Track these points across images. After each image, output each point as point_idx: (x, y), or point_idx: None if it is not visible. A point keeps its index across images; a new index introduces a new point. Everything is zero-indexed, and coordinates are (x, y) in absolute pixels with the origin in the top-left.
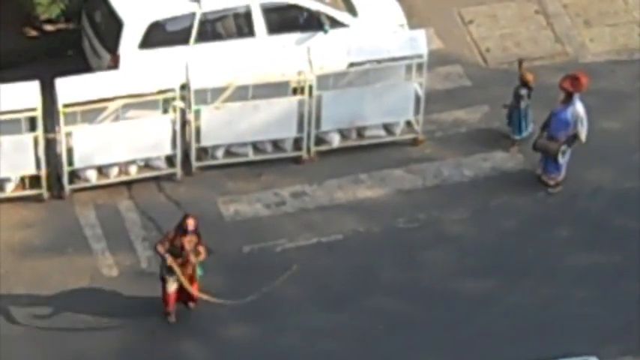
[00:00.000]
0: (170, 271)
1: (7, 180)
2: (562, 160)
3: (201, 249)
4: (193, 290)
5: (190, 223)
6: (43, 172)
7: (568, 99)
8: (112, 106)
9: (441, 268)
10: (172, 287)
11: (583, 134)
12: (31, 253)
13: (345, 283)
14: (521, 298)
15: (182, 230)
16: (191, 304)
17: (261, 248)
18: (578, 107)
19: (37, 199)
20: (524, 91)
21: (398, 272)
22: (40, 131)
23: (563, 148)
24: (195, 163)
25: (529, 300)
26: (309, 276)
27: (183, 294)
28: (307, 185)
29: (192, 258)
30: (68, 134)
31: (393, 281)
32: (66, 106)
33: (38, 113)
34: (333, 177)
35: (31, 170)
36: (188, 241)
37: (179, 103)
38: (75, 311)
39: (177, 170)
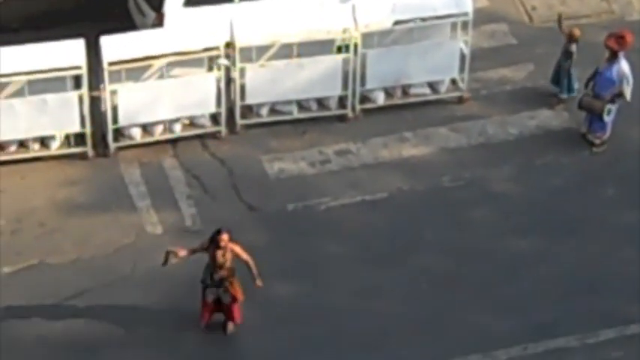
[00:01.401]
0: (212, 279)
1: (52, 138)
2: (607, 118)
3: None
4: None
5: (224, 239)
6: (88, 130)
7: (613, 57)
8: (157, 63)
9: (485, 226)
10: (210, 297)
11: (628, 93)
12: (76, 211)
13: (390, 241)
14: (566, 257)
15: (215, 244)
16: (230, 326)
17: (305, 206)
18: (624, 65)
19: (82, 156)
20: (574, 48)
21: (443, 230)
22: (85, 89)
23: (609, 106)
24: (239, 121)
25: (574, 258)
26: (353, 234)
27: (224, 310)
28: (352, 143)
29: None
30: (113, 92)
31: (437, 239)
32: (111, 64)
33: (83, 71)
34: (378, 135)
35: (76, 128)
36: (222, 255)
37: (224, 61)
38: (119, 268)
39: (222, 128)
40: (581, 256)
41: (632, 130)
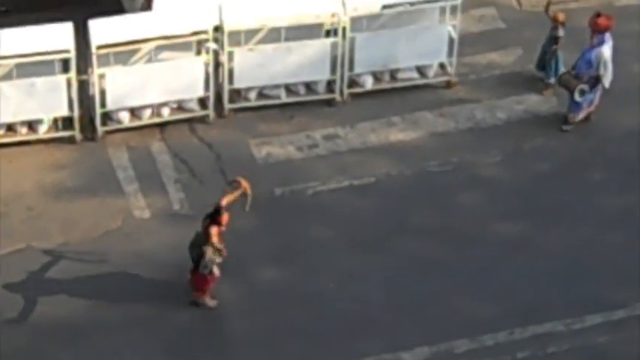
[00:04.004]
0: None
1: (40, 121)
2: (579, 98)
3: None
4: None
5: (225, 219)
6: (76, 114)
7: (594, 39)
8: (145, 47)
9: (473, 211)
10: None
11: (606, 80)
12: (64, 195)
13: (377, 226)
14: (553, 242)
15: (217, 223)
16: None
17: (292, 191)
18: (605, 50)
19: (70, 140)
20: (561, 32)
21: (430, 215)
22: (73, 73)
23: (583, 87)
24: (227, 105)
25: (561, 243)
26: (340, 219)
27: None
28: (340, 128)
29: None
30: (101, 76)
31: (425, 224)
32: (99, 47)
33: (72, 55)
34: (366, 119)
35: (64, 112)
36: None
37: (212, 45)
38: (106, 252)
39: (210, 112)
40: (568, 241)
41: (618, 114)
